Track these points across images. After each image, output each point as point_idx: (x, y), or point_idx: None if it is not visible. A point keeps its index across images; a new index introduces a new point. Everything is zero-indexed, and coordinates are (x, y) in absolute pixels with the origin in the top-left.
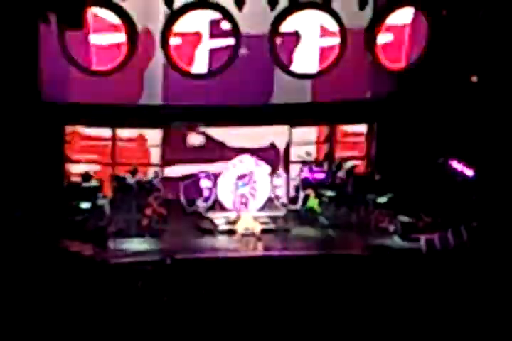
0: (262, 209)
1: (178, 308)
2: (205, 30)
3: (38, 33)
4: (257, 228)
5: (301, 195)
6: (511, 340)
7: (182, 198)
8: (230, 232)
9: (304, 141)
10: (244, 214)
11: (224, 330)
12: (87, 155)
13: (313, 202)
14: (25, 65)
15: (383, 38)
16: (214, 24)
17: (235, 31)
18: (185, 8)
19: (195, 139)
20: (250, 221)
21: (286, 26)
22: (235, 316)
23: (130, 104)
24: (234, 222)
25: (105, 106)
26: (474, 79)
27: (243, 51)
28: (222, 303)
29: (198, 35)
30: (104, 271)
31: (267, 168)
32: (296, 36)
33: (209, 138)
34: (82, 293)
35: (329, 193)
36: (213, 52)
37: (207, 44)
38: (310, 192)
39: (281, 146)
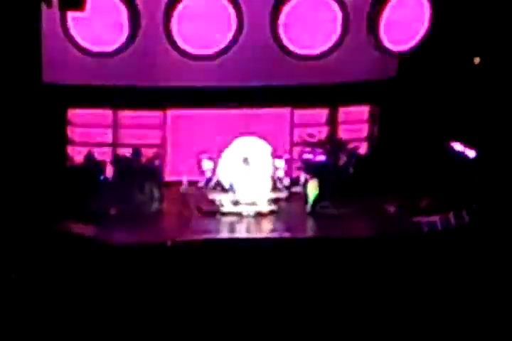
0: (264, 190)
1: (179, 289)
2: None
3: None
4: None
5: (303, 176)
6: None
7: (184, 179)
8: (232, 213)
9: (306, 122)
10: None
11: (225, 311)
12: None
13: (314, 194)
14: (26, 47)
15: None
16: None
17: (237, 13)
18: None
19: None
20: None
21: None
22: (236, 297)
23: (130, 85)
24: (236, 203)
25: (106, 88)
26: (477, 60)
27: None
28: (223, 285)
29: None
30: (106, 252)
31: (269, 149)
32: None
33: None
34: (84, 274)
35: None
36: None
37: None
38: (311, 181)
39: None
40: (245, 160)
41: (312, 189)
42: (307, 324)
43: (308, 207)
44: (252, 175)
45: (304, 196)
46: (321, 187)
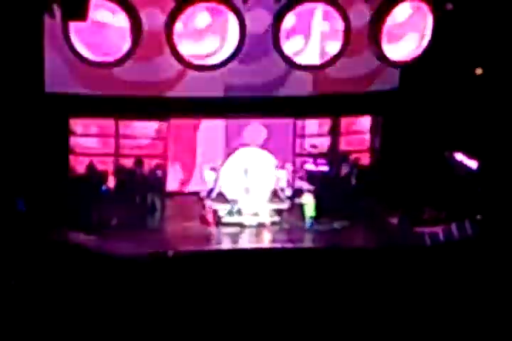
0: (267, 201)
1: (180, 300)
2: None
3: (43, 24)
4: None
5: (305, 187)
6: None
7: (186, 190)
8: (234, 224)
9: (309, 133)
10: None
11: (226, 322)
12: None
13: (311, 207)
14: (29, 57)
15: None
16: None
17: (240, 24)
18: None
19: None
20: None
21: (290, 19)
22: (238, 308)
23: (133, 95)
24: (238, 213)
25: (107, 97)
26: (479, 71)
27: None
28: (225, 295)
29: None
30: (107, 262)
31: (272, 160)
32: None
33: None
34: (84, 284)
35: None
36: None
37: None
38: (306, 195)
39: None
40: (246, 171)
41: (309, 203)
42: (309, 335)
43: (307, 222)
44: (253, 186)
45: (301, 210)
46: (321, 199)
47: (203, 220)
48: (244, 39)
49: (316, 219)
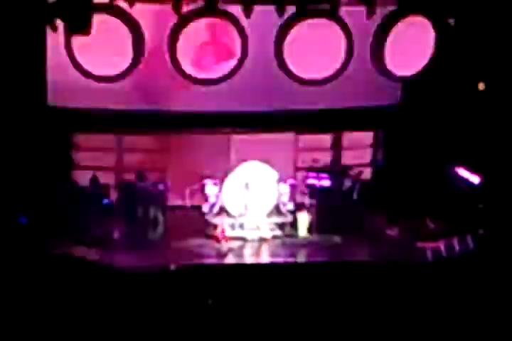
0: (268, 215)
1: (182, 316)
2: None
3: (45, 38)
4: None
5: (307, 202)
6: None
7: (188, 204)
8: (236, 238)
9: (311, 147)
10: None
11: (227, 337)
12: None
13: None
14: (31, 70)
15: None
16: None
17: (242, 38)
18: (192, 15)
19: None
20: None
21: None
22: (240, 324)
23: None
24: (241, 227)
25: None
26: (481, 86)
27: None
28: (228, 311)
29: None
30: (109, 276)
31: (274, 174)
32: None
33: None
34: (86, 298)
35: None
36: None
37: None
38: (303, 216)
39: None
40: (248, 185)
41: (303, 221)
42: None
43: (303, 236)
44: (255, 200)
45: (295, 227)
46: (322, 213)
47: (213, 236)
48: (246, 54)
49: (317, 233)
